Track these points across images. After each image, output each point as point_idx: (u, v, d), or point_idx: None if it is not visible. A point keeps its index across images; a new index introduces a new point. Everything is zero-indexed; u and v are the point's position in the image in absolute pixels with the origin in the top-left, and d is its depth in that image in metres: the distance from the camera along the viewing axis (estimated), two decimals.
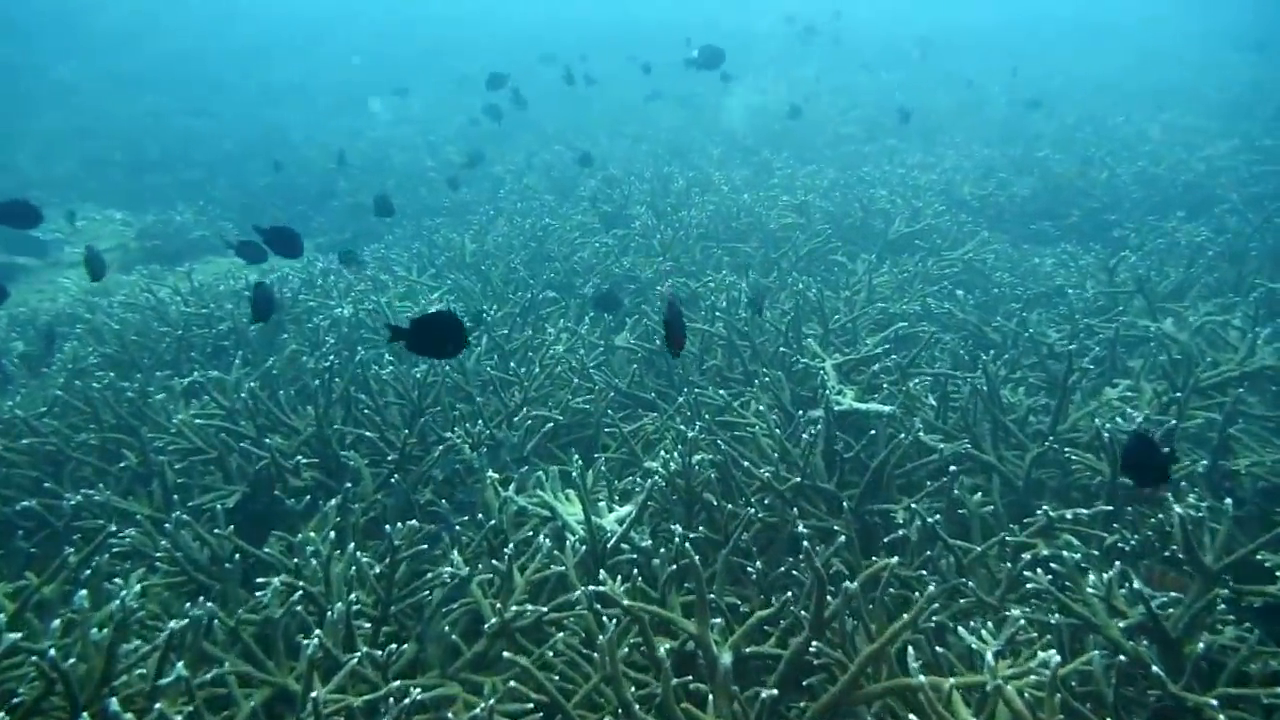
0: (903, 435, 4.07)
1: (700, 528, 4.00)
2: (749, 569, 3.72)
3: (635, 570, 3.49)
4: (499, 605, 3.21)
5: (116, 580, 3.33)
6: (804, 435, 4.19)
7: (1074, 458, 4.03)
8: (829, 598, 2.91)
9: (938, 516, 3.58)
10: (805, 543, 2.88)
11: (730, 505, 4.00)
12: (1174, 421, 4.06)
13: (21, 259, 9.20)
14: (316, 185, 13.23)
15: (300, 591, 3.15)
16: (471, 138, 15.09)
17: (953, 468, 3.84)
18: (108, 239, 10.17)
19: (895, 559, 2.88)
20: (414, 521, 3.73)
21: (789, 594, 3.04)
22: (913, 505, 3.64)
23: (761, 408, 4.93)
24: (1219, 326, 5.38)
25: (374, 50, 22.23)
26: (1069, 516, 3.52)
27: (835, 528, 3.86)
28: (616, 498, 4.40)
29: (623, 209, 10.20)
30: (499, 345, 6.27)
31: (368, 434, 4.63)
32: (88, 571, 3.23)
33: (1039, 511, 3.63)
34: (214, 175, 13.35)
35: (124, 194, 12.53)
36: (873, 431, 4.12)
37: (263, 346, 6.16)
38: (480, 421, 4.75)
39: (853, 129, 14.37)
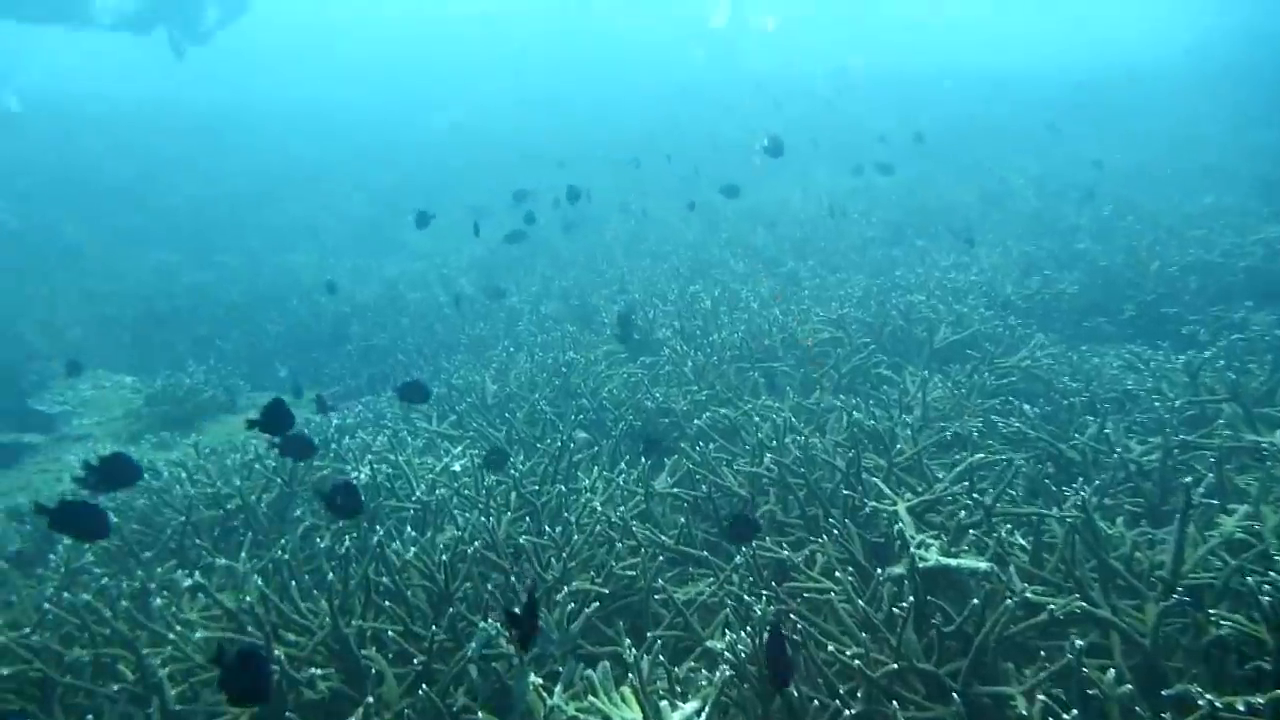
0: (1009, 600, 3.59)
1: None
2: None
3: None
4: None
5: None
6: (893, 608, 3.72)
7: (1224, 623, 3.51)
8: None
9: (1075, 713, 3.07)
10: None
11: (816, 698, 3.52)
12: None
13: (28, 436, 9.03)
14: (328, 329, 13.17)
15: None
16: (486, 267, 15.12)
17: (1078, 642, 3.35)
18: (117, 406, 10.02)
19: None
20: None
21: None
22: (1039, 697, 3.14)
23: (836, 570, 4.46)
24: None
25: (380, 183, 22.75)
26: (1241, 708, 3.00)
27: None
28: (678, 687, 3.92)
29: (649, 334, 9.96)
30: (529, 502, 5.88)
31: (390, 630, 4.20)
32: None
33: (1200, 700, 3.10)
34: (225, 328, 13.34)
35: (133, 355, 12.50)
36: (974, 601, 3.64)
37: (274, 523, 5.81)
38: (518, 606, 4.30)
39: (877, 231, 14.27)
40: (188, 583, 4.38)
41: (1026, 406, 6.60)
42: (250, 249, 17.94)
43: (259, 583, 4.30)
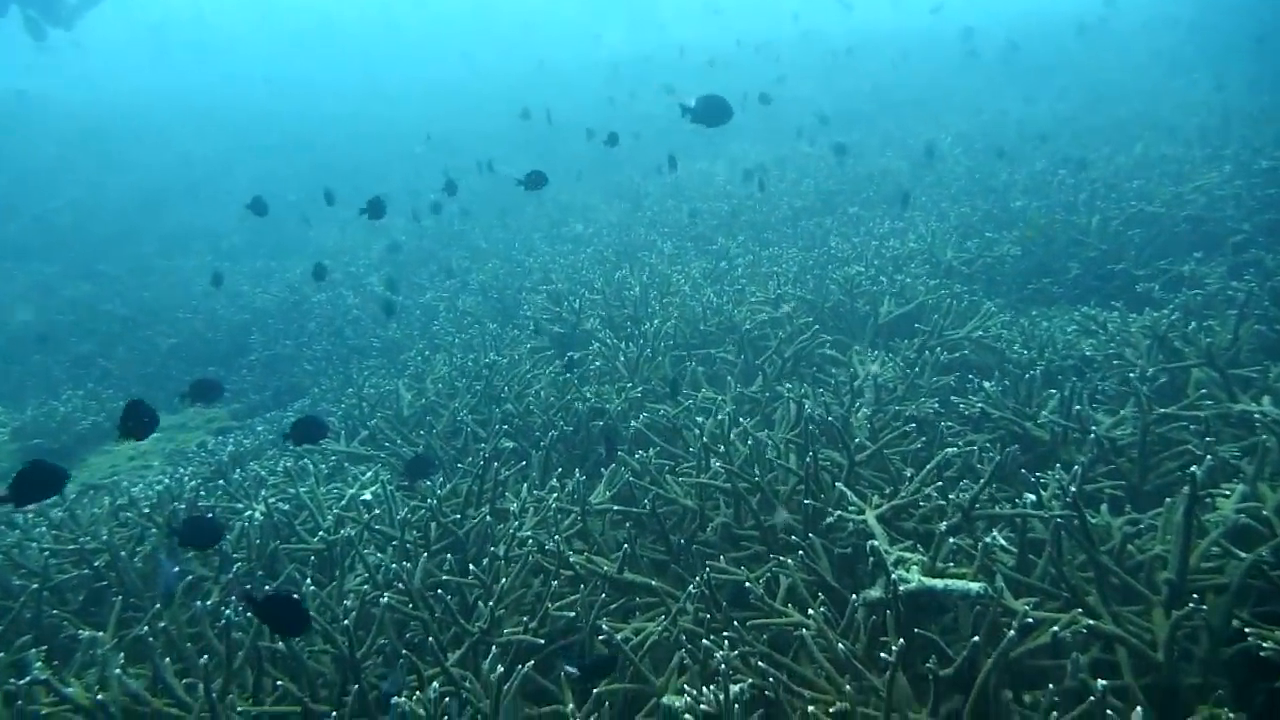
0: (1010, 632, 3.12)
1: None
2: None
3: None
4: None
5: None
6: (878, 651, 3.22)
7: (1262, 641, 3.08)
8: None
9: None
10: None
11: None
12: None
13: None
14: (226, 341, 12.22)
15: None
16: (397, 262, 14.27)
17: (1100, 682, 2.88)
18: None
19: None
20: None
21: None
22: None
23: (804, 595, 3.94)
24: None
25: (282, 178, 21.52)
26: None
27: None
28: None
29: (576, 327, 9.34)
30: (450, 532, 5.25)
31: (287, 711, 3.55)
32: None
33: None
34: (110, 346, 12.26)
35: (3, 382, 11.37)
36: (975, 639, 3.14)
37: (152, 582, 5.05)
38: (440, 675, 3.69)
39: (807, 201, 13.84)
40: (26, 679, 3.62)
41: (987, 384, 6.20)
42: (139, 256, 16.68)
43: (118, 671, 3.58)
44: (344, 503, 5.71)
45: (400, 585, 4.37)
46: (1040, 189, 11.75)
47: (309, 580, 4.58)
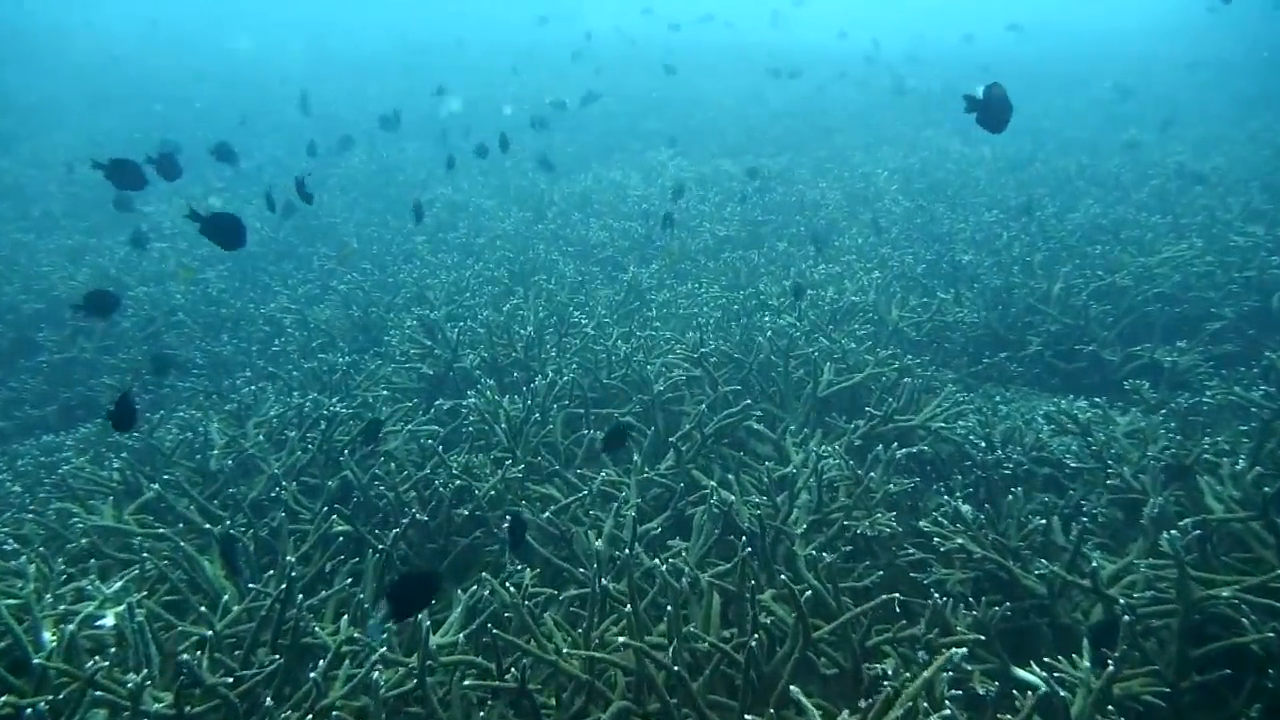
0: None
1: None
2: None
3: None
4: None
5: None
6: None
7: None
8: None
9: None
10: None
11: None
12: None
13: None
14: (10, 335, 10.11)
15: None
16: (243, 258, 12.31)
17: None
18: None
19: None
20: None
21: None
22: None
23: None
24: None
25: (123, 135, 19.08)
26: None
27: None
28: None
29: (452, 365, 7.79)
30: (219, 696, 3.69)
31: None
32: None
33: None
34: None
35: None
36: None
37: None
38: None
39: (732, 229, 12.61)
40: None
41: (965, 507, 5.01)
42: None
43: None
44: (69, 630, 4.03)
45: None
46: (989, 243, 10.84)
47: None
